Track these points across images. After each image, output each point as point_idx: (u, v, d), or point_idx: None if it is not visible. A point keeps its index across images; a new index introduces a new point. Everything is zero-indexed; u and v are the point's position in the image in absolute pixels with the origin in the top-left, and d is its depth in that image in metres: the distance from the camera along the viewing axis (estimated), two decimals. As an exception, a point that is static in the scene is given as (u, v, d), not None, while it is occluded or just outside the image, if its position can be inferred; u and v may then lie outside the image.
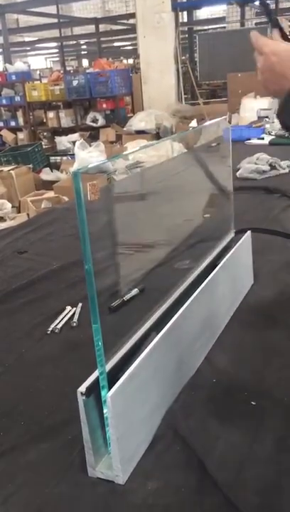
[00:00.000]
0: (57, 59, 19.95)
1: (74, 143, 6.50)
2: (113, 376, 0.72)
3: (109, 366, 0.73)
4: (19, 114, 9.43)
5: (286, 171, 2.48)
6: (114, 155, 5.13)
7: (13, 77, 9.45)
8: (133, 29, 10.24)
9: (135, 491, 0.71)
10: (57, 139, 8.48)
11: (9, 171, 5.75)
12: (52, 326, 1.19)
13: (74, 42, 17.54)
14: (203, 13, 15.66)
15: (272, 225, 1.69)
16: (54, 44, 17.20)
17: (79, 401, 0.70)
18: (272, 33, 0.90)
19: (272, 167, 2.47)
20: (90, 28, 14.84)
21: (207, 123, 1.38)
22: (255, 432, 0.79)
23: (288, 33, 0.89)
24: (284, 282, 1.30)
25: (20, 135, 9.26)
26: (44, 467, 0.77)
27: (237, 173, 2.40)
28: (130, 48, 17.22)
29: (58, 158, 7.68)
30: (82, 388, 0.70)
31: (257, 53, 0.86)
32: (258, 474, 0.72)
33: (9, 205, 4.81)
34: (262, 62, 0.84)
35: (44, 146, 8.18)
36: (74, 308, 1.25)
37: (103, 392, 0.70)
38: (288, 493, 0.68)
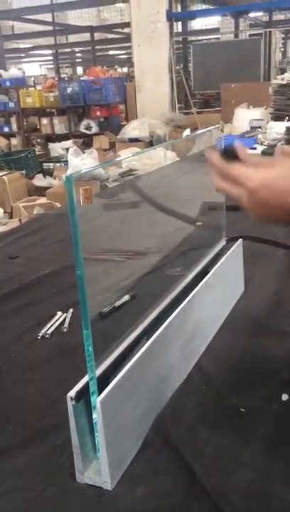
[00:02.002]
0: (52, 66, 20.01)
1: (67, 150, 6.52)
2: (103, 382, 0.73)
3: (99, 372, 0.73)
4: (13, 120, 9.45)
5: None
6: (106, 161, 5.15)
7: (8, 84, 9.48)
8: (128, 38, 10.32)
9: (123, 496, 0.71)
10: (51, 145, 8.49)
11: (2, 176, 5.74)
12: (43, 331, 1.19)
13: (69, 49, 17.61)
14: (197, 23, 15.81)
15: (263, 233, 1.71)
16: (49, 51, 17.26)
17: (68, 406, 0.70)
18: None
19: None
20: (85, 36, 14.93)
21: (200, 131, 1.40)
22: (244, 437, 0.80)
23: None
24: (275, 290, 1.31)
25: (14, 141, 9.27)
26: (32, 472, 0.77)
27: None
28: (125, 56, 17.34)
29: (51, 164, 7.68)
30: (72, 393, 0.70)
31: (231, 185, 0.69)
32: (247, 479, 0.72)
33: (1, 210, 4.81)
34: (250, 199, 0.67)
35: (37, 153, 8.19)
36: (65, 314, 1.25)
37: (93, 398, 0.70)
38: (276, 498, 0.69)
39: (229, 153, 0.72)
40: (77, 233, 0.64)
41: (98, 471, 0.73)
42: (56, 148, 8.29)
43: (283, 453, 0.76)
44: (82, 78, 9.48)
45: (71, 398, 0.70)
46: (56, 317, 1.25)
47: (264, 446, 0.78)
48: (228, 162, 0.71)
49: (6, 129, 9.53)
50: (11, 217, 4.90)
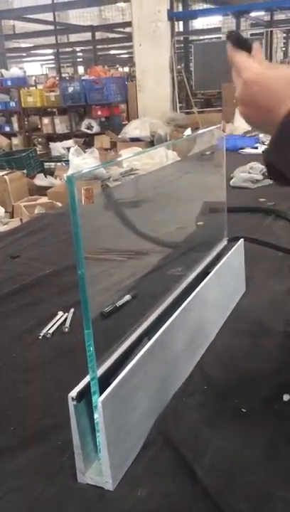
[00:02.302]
0: (53, 66, 20.01)
1: (68, 149, 6.53)
2: (104, 381, 0.72)
3: (100, 372, 0.73)
4: (14, 119, 9.46)
5: None
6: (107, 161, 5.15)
7: (9, 83, 9.49)
8: (129, 37, 10.32)
9: (124, 497, 0.71)
10: (52, 145, 8.50)
11: (3, 175, 5.75)
12: (44, 331, 1.18)
13: (70, 49, 17.61)
14: (199, 23, 15.80)
15: (264, 233, 1.70)
16: (50, 51, 17.26)
17: (70, 406, 0.70)
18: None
19: (265, 176, 2.49)
20: (86, 36, 14.92)
21: (201, 131, 1.40)
22: (245, 438, 0.79)
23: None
24: (276, 290, 1.31)
25: (15, 140, 9.28)
26: (33, 472, 0.77)
27: (231, 182, 2.42)
28: (126, 56, 17.33)
29: (52, 164, 7.69)
30: (73, 393, 0.70)
31: (235, 74, 0.73)
32: (248, 480, 0.72)
33: (2, 210, 4.81)
34: (241, 90, 0.70)
35: (38, 152, 8.20)
36: (67, 314, 1.25)
37: (94, 398, 0.70)
38: (277, 499, 0.69)
39: (241, 43, 0.74)
40: (78, 233, 0.64)
41: (99, 472, 0.73)
42: (57, 147, 8.30)
43: (284, 453, 0.76)
44: (83, 78, 9.49)
45: (72, 398, 0.70)
46: (57, 317, 1.25)
47: (265, 446, 0.78)
48: (237, 50, 0.74)
49: (7, 129, 9.54)
50: (12, 217, 4.91)
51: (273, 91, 0.67)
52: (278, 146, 0.64)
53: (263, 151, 0.63)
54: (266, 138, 3.80)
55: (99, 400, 0.69)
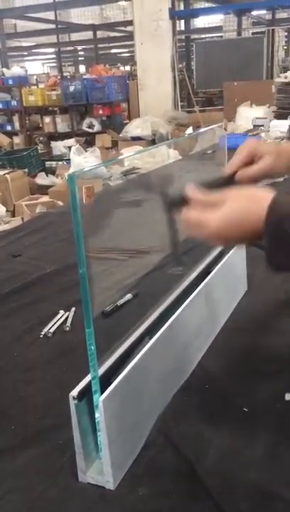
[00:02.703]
0: (55, 64, 19.99)
1: (70, 148, 6.51)
2: (105, 381, 0.72)
3: (101, 371, 0.72)
4: (15, 118, 9.44)
5: (281, 179, 2.49)
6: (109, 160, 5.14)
7: (10, 82, 9.47)
8: (130, 36, 10.30)
9: (125, 496, 0.71)
10: (53, 144, 8.49)
11: (4, 174, 5.74)
12: (45, 330, 1.18)
13: (72, 48, 17.58)
14: (200, 21, 15.77)
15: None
16: (51, 50, 17.23)
17: (71, 405, 0.70)
18: None
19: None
20: (88, 35, 14.89)
21: (203, 130, 1.39)
22: (246, 438, 0.79)
23: None
24: (278, 289, 1.30)
25: (16, 139, 9.27)
26: (34, 472, 0.77)
27: (232, 181, 2.41)
28: (127, 54, 17.31)
29: (54, 163, 7.68)
30: (74, 392, 0.70)
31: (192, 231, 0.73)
32: (249, 480, 0.72)
33: (3, 208, 4.80)
34: (213, 240, 0.72)
35: (40, 151, 8.18)
36: (68, 313, 1.25)
37: (95, 397, 0.70)
38: (279, 498, 0.68)
39: (177, 203, 0.74)
40: (79, 231, 0.63)
41: (100, 471, 0.73)
42: (58, 146, 8.29)
43: (286, 453, 0.76)
44: (84, 76, 9.47)
45: (73, 397, 0.69)
46: (58, 316, 1.24)
47: (267, 446, 0.77)
48: (179, 209, 0.74)
49: (9, 128, 9.52)
50: (14, 216, 4.90)
51: (242, 224, 0.68)
52: (277, 250, 0.65)
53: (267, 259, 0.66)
54: (267, 137, 3.79)
55: (100, 399, 0.69)
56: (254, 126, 4.62)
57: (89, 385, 0.70)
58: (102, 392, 0.70)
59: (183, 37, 11.06)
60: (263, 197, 0.68)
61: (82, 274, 0.66)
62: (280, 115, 5.43)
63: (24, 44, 17.76)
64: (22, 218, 4.44)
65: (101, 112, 8.65)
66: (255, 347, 1.06)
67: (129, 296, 1.27)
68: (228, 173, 0.89)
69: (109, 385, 0.72)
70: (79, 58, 20.15)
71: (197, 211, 0.71)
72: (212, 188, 0.82)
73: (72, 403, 0.70)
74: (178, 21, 8.94)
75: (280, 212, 0.65)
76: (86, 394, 0.71)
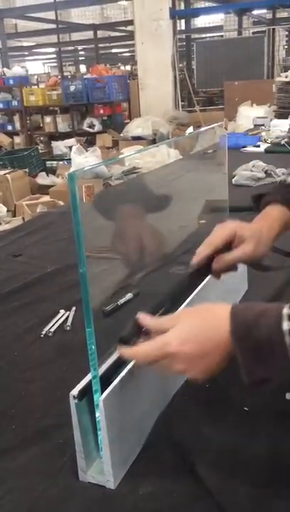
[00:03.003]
0: (55, 64, 19.99)
1: (70, 148, 6.52)
2: (106, 380, 0.72)
3: (102, 370, 0.72)
4: (16, 118, 9.45)
5: (282, 178, 2.49)
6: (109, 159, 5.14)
7: (11, 82, 9.48)
8: (131, 36, 10.30)
9: (126, 495, 0.71)
10: (54, 143, 8.49)
11: (5, 174, 5.74)
12: (46, 329, 1.18)
13: (72, 48, 17.58)
14: (201, 21, 15.76)
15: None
16: (52, 49, 17.24)
17: (71, 404, 0.70)
18: None
19: (268, 174, 2.48)
20: (88, 34, 14.88)
21: (203, 128, 1.39)
22: (248, 437, 0.79)
23: None
24: (278, 288, 1.30)
25: (17, 139, 9.27)
26: (34, 471, 0.77)
27: (233, 180, 2.42)
28: (128, 54, 17.30)
29: (54, 162, 7.68)
30: (75, 392, 0.70)
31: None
32: (250, 479, 0.71)
33: (4, 208, 4.80)
34: (180, 361, 0.67)
35: (40, 151, 8.19)
36: (68, 312, 1.25)
37: (95, 396, 0.70)
38: (280, 497, 0.68)
39: (129, 338, 0.72)
40: (79, 231, 0.63)
41: (101, 470, 0.73)
42: (59, 146, 8.29)
43: (287, 452, 0.76)
44: (85, 76, 9.47)
45: (74, 397, 0.69)
46: (59, 315, 1.25)
47: (268, 445, 0.77)
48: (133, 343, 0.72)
49: (10, 128, 9.53)
50: (14, 216, 4.90)
51: (203, 342, 0.66)
52: (254, 361, 0.63)
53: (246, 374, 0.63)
54: (267, 137, 3.79)
55: (100, 398, 0.69)
56: (255, 125, 4.62)
57: (89, 385, 0.70)
58: (103, 391, 0.70)
59: (184, 36, 11.04)
60: (220, 312, 0.66)
61: (83, 274, 0.66)
62: (281, 114, 5.43)
63: (25, 44, 17.75)
64: (23, 218, 4.44)
65: (101, 111, 8.66)
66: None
67: (129, 295, 1.27)
68: (204, 255, 0.88)
69: (110, 385, 0.71)
70: (80, 58, 20.14)
71: (151, 342, 0.68)
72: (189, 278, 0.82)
73: (73, 402, 0.70)
74: (178, 21, 8.94)
75: (245, 322, 0.63)
76: (86, 393, 0.71)
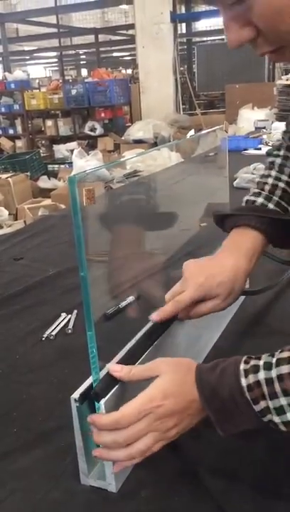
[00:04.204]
0: (57, 68, 20.08)
1: (72, 151, 6.54)
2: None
3: (103, 373, 0.72)
4: (18, 122, 9.48)
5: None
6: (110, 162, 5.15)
7: (12, 86, 9.51)
8: (132, 39, 10.32)
9: (128, 499, 0.71)
10: (55, 147, 8.52)
11: (7, 178, 5.76)
12: (47, 332, 1.18)
13: (74, 51, 17.64)
14: (202, 24, 15.80)
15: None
16: (53, 53, 17.30)
17: (72, 408, 0.70)
18: None
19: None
20: (89, 38, 14.94)
21: (204, 131, 1.39)
22: (248, 438, 0.79)
23: None
24: (278, 291, 1.30)
25: (19, 143, 9.31)
26: (36, 474, 0.77)
27: (234, 183, 2.42)
28: (129, 58, 17.34)
29: (56, 166, 7.71)
30: (76, 395, 0.70)
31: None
32: (251, 481, 0.71)
33: (6, 212, 4.82)
34: (169, 418, 0.67)
35: (42, 154, 8.22)
36: (70, 315, 1.25)
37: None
38: (281, 499, 0.68)
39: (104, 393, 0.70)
40: (80, 235, 0.64)
41: (102, 474, 0.73)
42: (61, 149, 8.32)
43: (287, 453, 0.76)
44: (86, 80, 9.51)
45: (75, 400, 0.69)
46: (60, 318, 1.25)
47: (268, 446, 0.77)
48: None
49: (11, 131, 9.56)
50: (16, 219, 4.91)
51: (180, 397, 0.67)
52: (224, 419, 0.66)
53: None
54: (269, 139, 3.80)
55: (101, 401, 0.69)
56: (256, 128, 4.63)
57: (90, 388, 0.70)
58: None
59: (185, 40, 11.08)
60: (189, 368, 0.69)
61: (83, 278, 0.66)
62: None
63: (26, 48, 17.82)
64: (24, 221, 4.45)
65: (103, 115, 8.69)
66: (256, 349, 1.05)
67: (131, 298, 1.27)
68: (169, 314, 0.83)
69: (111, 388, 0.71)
70: (81, 62, 20.22)
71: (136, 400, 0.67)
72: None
73: (74, 406, 0.70)
74: (179, 24, 8.96)
75: (209, 384, 0.66)
76: (87, 396, 0.71)
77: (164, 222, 1.43)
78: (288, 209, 0.96)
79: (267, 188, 0.98)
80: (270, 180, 0.99)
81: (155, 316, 0.81)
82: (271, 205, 0.95)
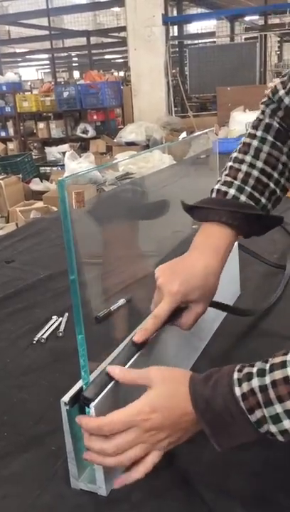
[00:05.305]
0: (49, 70, 20.04)
1: (64, 154, 6.54)
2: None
3: (93, 376, 0.72)
4: (9, 124, 9.46)
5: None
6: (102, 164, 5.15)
7: (4, 88, 9.50)
8: (124, 42, 10.34)
9: (118, 502, 0.71)
10: (48, 149, 8.51)
11: (-2, 180, 5.74)
12: (38, 335, 1.18)
13: (66, 54, 17.62)
14: (193, 27, 15.86)
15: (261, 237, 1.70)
16: (45, 56, 17.29)
17: (62, 411, 0.69)
18: None
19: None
20: (81, 41, 14.93)
21: (196, 134, 1.40)
22: (241, 444, 0.79)
23: None
24: (271, 293, 1.30)
25: (11, 145, 9.28)
26: (27, 478, 0.76)
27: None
28: (121, 60, 17.37)
29: (48, 168, 7.70)
30: (66, 398, 0.70)
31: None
32: (244, 485, 0.71)
33: (-2, 215, 4.80)
34: (160, 431, 0.67)
35: (34, 157, 8.20)
36: (61, 318, 1.25)
37: (87, 402, 0.70)
38: (276, 503, 0.68)
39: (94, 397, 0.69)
40: (70, 239, 0.63)
41: (93, 477, 0.72)
42: (53, 152, 8.31)
43: (282, 456, 0.76)
44: (78, 82, 9.50)
45: (65, 403, 0.69)
46: (51, 321, 1.24)
47: (263, 450, 0.77)
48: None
49: (3, 134, 9.54)
50: (8, 222, 4.90)
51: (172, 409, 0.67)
52: (219, 432, 0.65)
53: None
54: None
55: (92, 405, 0.69)
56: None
57: (80, 391, 0.70)
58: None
59: (177, 42, 11.11)
60: (182, 379, 0.68)
61: (73, 281, 0.66)
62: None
63: (18, 50, 17.79)
64: (16, 224, 4.44)
65: (95, 117, 8.69)
66: (248, 351, 1.06)
67: (122, 301, 1.27)
68: (151, 332, 0.81)
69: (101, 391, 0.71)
70: (73, 64, 20.20)
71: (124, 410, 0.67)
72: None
73: (64, 409, 0.69)
74: (171, 27, 8.99)
75: (202, 396, 0.65)
76: (78, 399, 0.70)
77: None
78: (260, 200, 0.91)
79: (240, 176, 0.91)
80: (244, 168, 0.92)
81: (137, 338, 0.79)
82: (243, 197, 0.90)
